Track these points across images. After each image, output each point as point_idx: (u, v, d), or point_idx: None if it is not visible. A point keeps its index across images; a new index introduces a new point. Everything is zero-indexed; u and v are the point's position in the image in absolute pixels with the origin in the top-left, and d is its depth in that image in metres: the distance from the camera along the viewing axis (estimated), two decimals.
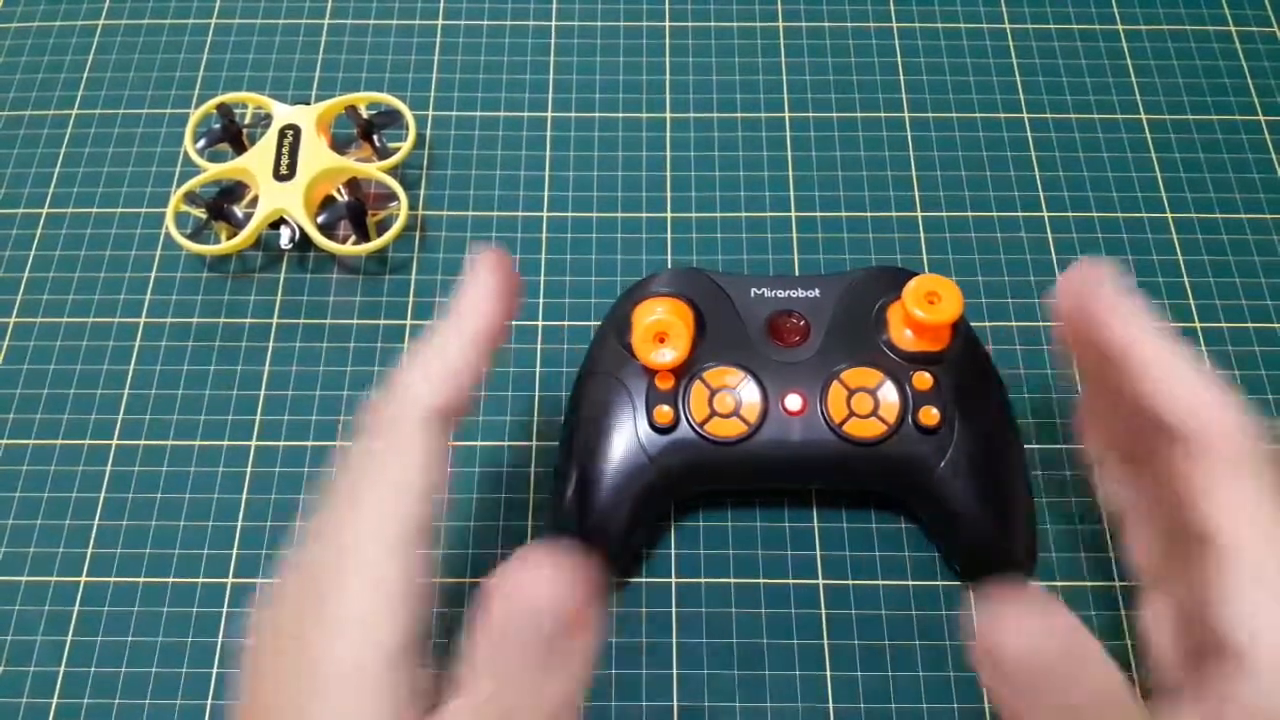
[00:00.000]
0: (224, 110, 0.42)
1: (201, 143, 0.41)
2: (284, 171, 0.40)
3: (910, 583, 0.34)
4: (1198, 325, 0.39)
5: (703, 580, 0.34)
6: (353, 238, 0.40)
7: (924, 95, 0.44)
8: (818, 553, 0.35)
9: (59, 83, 0.45)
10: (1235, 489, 0.23)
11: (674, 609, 0.34)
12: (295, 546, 0.24)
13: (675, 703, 0.32)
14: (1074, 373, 0.38)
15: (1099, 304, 0.26)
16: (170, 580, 0.34)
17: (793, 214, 0.41)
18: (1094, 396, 0.29)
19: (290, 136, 0.40)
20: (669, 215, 0.41)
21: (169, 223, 0.39)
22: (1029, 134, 0.43)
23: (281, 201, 0.39)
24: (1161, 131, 0.44)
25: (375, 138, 0.42)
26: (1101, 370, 0.26)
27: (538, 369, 0.38)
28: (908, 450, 0.32)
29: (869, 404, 0.32)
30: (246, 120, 0.43)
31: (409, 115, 0.42)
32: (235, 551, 0.35)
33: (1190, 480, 0.23)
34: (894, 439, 0.32)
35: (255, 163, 0.40)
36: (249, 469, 0.36)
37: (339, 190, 0.41)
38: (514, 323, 0.39)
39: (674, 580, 0.34)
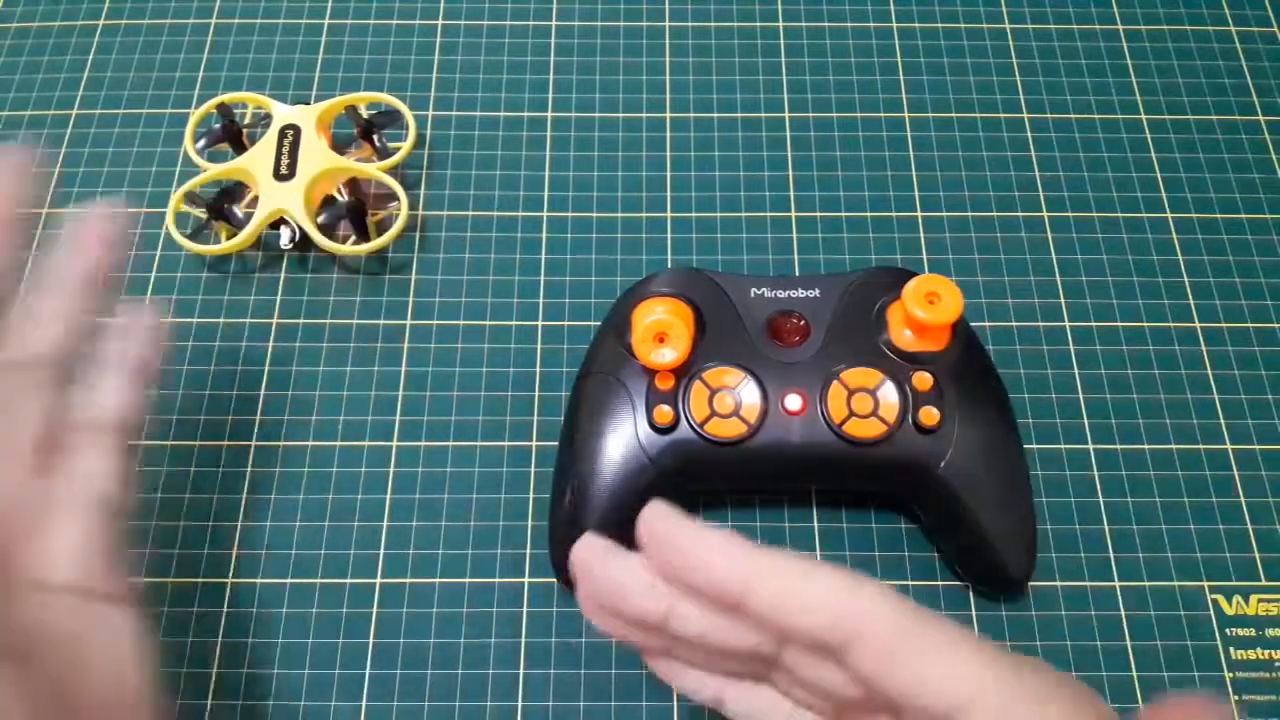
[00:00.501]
0: (224, 110, 0.42)
1: (201, 143, 0.41)
2: (284, 171, 0.40)
3: (910, 583, 0.34)
4: (1198, 325, 0.39)
5: None
6: (353, 238, 0.40)
7: (924, 95, 0.44)
8: (818, 553, 0.35)
9: (59, 83, 0.45)
10: (923, 660, 0.22)
11: None
12: None
13: (675, 703, 0.32)
14: (1076, 372, 0.38)
15: None
16: (170, 580, 0.34)
17: (793, 214, 0.41)
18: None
19: (290, 136, 0.40)
20: (669, 215, 0.41)
21: (169, 223, 0.39)
22: (1029, 134, 0.43)
23: (281, 201, 0.39)
24: (1161, 131, 0.44)
25: (375, 138, 0.42)
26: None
27: (538, 369, 0.38)
28: (907, 450, 0.32)
29: (869, 404, 0.32)
30: (246, 120, 0.43)
31: (409, 115, 0.42)
32: (235, 551, 0.35)
33: (880, 676, 0.22)
34: (894, 439, 0.32)
35: (255, 163, 0.40)
36: (249, 469, 0.36)
37: (339, 190, 0.41)
38: (514, 323, 0.39)
39: None
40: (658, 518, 0.24)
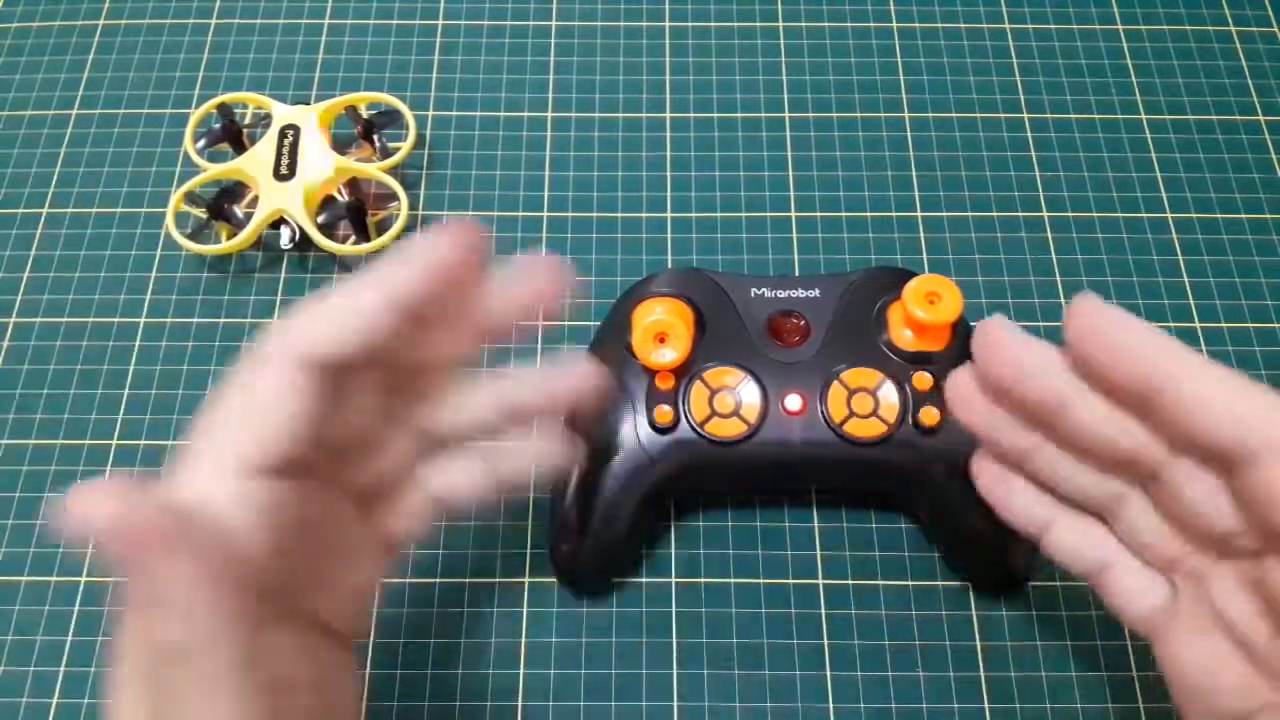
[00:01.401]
0: (224, 110, 0.42)
1: (201, 143, 0.41)
2: (284, 172, 0.40)
3: (910, 583, 0.34)
4: (1198, 325, 0.39)
5: (703, 580, 0.34)
6: (353, 238, 0.40)
7: (924, 95, 0.44)
8: (818, 553, 0.35)
9: (59, 83, 0.45)
10: None
11: (674, 609, 0.34)
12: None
13: (675, 703, 0.32)
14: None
15: (1118, 338, 0.23)
16: None
17: (793, 214, 0.41)
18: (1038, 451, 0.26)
19: (290, 136, 0.40)
20: (669, 215, 0.41)
21: (169, 223, 0.39)
22: (1029, 134, 0.43)
23: (281, 201, 0.39)
24: (1161, 131, 0.44)
25: (375, 138, 0.42)
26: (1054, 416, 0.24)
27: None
28: (908, 450, 0.32)
29: (869, 404, 0.32)
30: (246, 120, 0.43)
31: (409, 115, 0.42)
32: None
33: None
34: (894, 439, 0.32)
35: (255, 163, 0.40)
36: None
37: (339, 190, 0.40)
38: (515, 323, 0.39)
39: (674, 580, 0.34)
40: (1086, 309, 0.23)
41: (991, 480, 0.27)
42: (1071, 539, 0.26)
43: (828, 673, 0.33)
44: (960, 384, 0.26)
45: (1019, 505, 0.26)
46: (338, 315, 0.23)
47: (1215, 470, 0.22)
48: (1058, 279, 0.40)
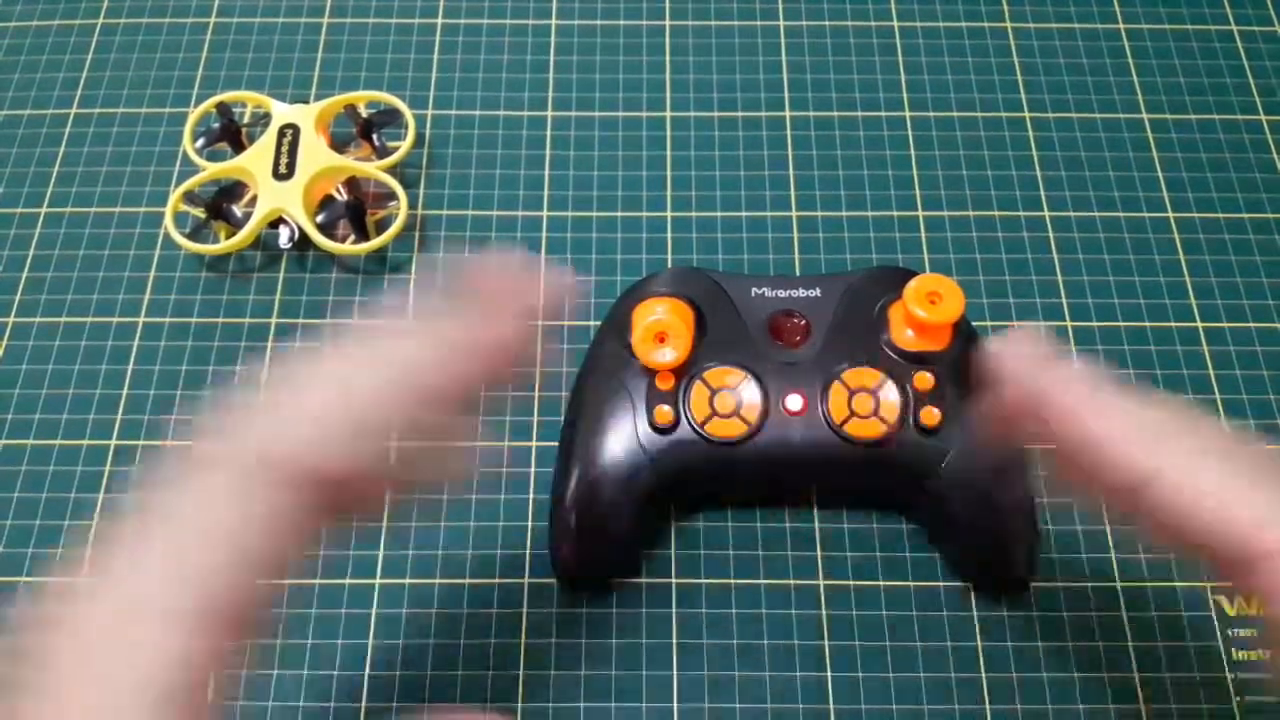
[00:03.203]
0: (223, 109, 0.42)
1: (200, 142, 0.41)
2: (283, 171, 0.39)
3: (911, 584, 0.34)
4: (1199, 325, 0.39)
5: (703, 581, 0.34)
6: (352, 237, 0.40)
7: (925, 94, 0.44)
8: (818, 553, 0.35)
9: (58, 82, 0.45)
10: None
11: (674, 610, 0.34)
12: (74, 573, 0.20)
13: (675, 704, 0.32)
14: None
15: (1063, 396, 0.22)
16: None
17: (793, 214, 0.41)
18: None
19: (289, 136, 0.40)
20: (669, 215, 0.41)
21: (168, 222, 0.39)
22: (1030, 133, 0.43)
23: (281, 201, 0.39)
24: (1163, 130, 0.44)
25: (374, 137, 0.42)
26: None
27: (538, 369, 0.38)
28: (909, 450, 0.32)
29: (870, 404, 0.32)
30: (246, 119, 0.43)
31: (408, 114, 0.42)
32: None
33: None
34: (895, 439, 0.32)
35: (254, 162, 0.40)
36: None
37: (338, 189, 0.40)
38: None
39: (674, 581, 0.34)
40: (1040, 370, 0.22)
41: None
42: None
43: (828, 674, 0.33)
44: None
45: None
46: (315, 406, 0.20)
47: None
48: (1059, 279, 0.40)
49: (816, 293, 0.35)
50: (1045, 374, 0.23)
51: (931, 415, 0.32)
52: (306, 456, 0.19)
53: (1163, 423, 0.22)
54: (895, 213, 0.41)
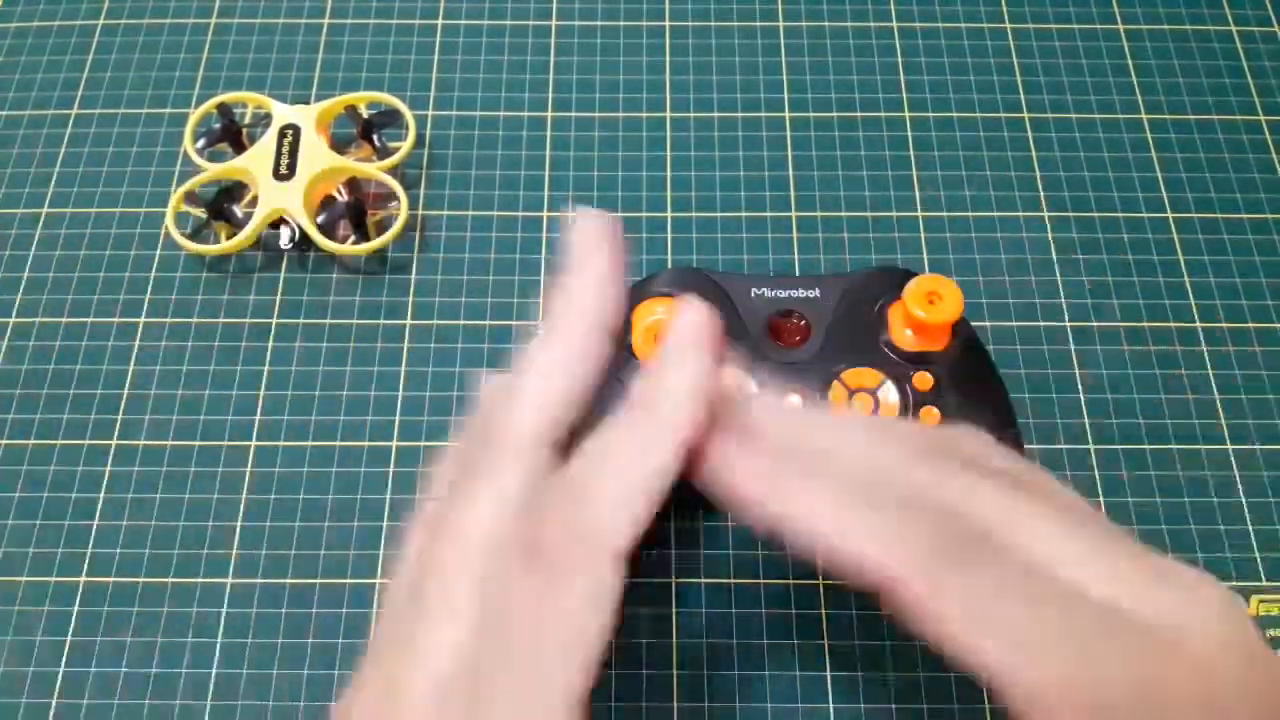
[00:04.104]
0: (224, 110, 0.42)
1: (201, 142, 0.41)
2: (284, 171, 0.40)
3: None
4: (1198, 325, 0.39)
5: (703, 581, 0.34)
6: (352, 237, 0.40)
7: (924, 95, 0.44)
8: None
9: (59, 83, 0.45)
10: None
11: (674, 609, 0.34)
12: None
13: (675, 704, 0.32)
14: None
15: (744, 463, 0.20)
16: (170, 580, 0.34)
17: (793, 214, 0.41)
18: None
19: (290, 136, 0.40)
20: (669, 215, 0.41)
21: (169, 222, 0.39)
22: (1029, 134, 0.43)
23: (281, 201, 0.39)
24: (1162, 131, 0.44)
25: (375, 137, 0.42)
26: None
27: None
28: None
29: (869, 404, 0.32)
30: (246, 120, 0.43)
31: (409, 115, 0.42)
32: (235, 551, 0.35)
33: None
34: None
35: (255, 163, 0.40)
36: (249, 469, 0.36)
37: (339, 190, 0.40)
38: (514, 323, 0.39)
39: (674, 581, 0.34)
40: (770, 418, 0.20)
41: None
42: None
43: (828, 673, 0.33)
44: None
45: None
46: (642, 480, 0.19)
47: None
48: (1058, 279, 0.40)
49: (816, 293, 0.35)
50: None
51: (931, 415, 0.32)
52: (631, 537, 0.19)
53: (797, 466, 0.20)
54: (894, 213, 0.41)
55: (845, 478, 0.20)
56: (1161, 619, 0.19)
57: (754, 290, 0.35)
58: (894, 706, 0.32)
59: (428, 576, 0.20)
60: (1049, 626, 0.18)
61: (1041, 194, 0.42)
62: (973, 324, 0.36)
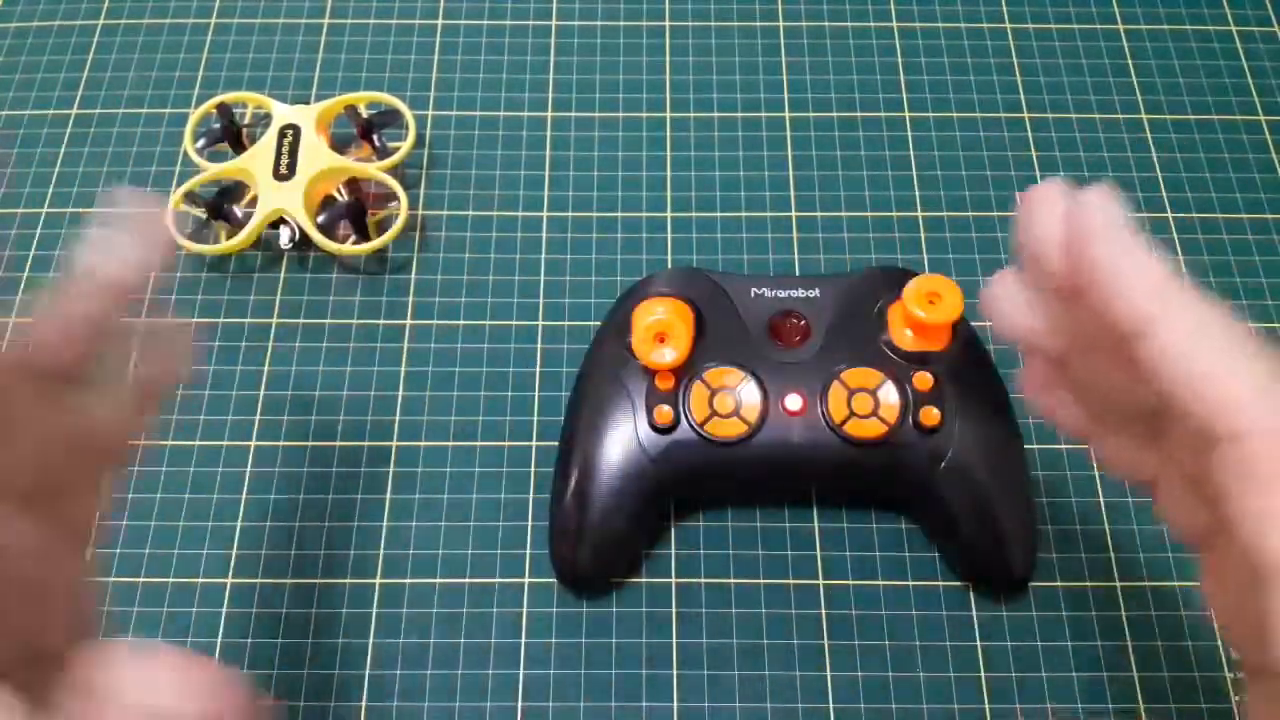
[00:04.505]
0: (224, 110, 0.42)
1: (201, 142, 0.41)
2: (284, 171, 0.40)
3: (910, 583, 0.34)
4: None
5: (703, 580, 0.34)
6: (353, 237, 0.40)
7: (924, 95, 0.44)
8: (818, 553, 0.35)
9: (59, 83, 0.45)
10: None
11: (674, 609, 0.34)
12: None
13: (675, 703, 0.32)
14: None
15: (1101, 245, 0.21)
16: (170, 580, 0.34)
17: (793, 214, 0.41)
18: (1074, 356, 0.25)
19: (290, 136, 0.40)
20: (669, 215, 0.41)
21: (168, 223, 0.39)
22: (1030, 133, 0.43)
23: (281, 201, 0.39)
24: (1162, 131, 0.44)
25: (375, 137, 0.42)
26: (1082, 323, 0.23)
27: (538, 369, 0.38)
28: (908, 450, 0.32)
29: (869, 404, 0.32)
30: (246, 120, 0.43)
31: (409, 115, 0.42)
32: (235, 551, 0.35)
33: (1229, 492, 0.19)
34: (894, 439, 0.32)
35: (255, 162, 0.40)
36: (249, 469, 0.36)
37: (339, 190, 0.40)
38: (514, 323, 0.39)
39: (674, 581, 0.34)
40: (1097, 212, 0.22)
41: (1036, 392, 0.26)
42: (1117, 454, 0.25)
43: (828, 673, 0.33)
44: (1001, 282, 0.25)
45: (1066, 420, 0.25)
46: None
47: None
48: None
49: (816, 293, 0.35)
50: (1074, 204, 0.23)
51: (931, 415, 0.32)
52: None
53: (1174, 277, 0.21)
54: (894, 213, 0.41)
55: None
56: None
57: (754, 290, 0.35)
58: (894, 706, 0.32)
59: None
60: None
61: None
62: (973, 324, 0.36)
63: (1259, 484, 0.19)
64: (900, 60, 0.45)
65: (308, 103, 0.42)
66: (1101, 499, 0.36)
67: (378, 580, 0.34)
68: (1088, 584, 0.34)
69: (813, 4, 0.47)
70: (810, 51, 0.46)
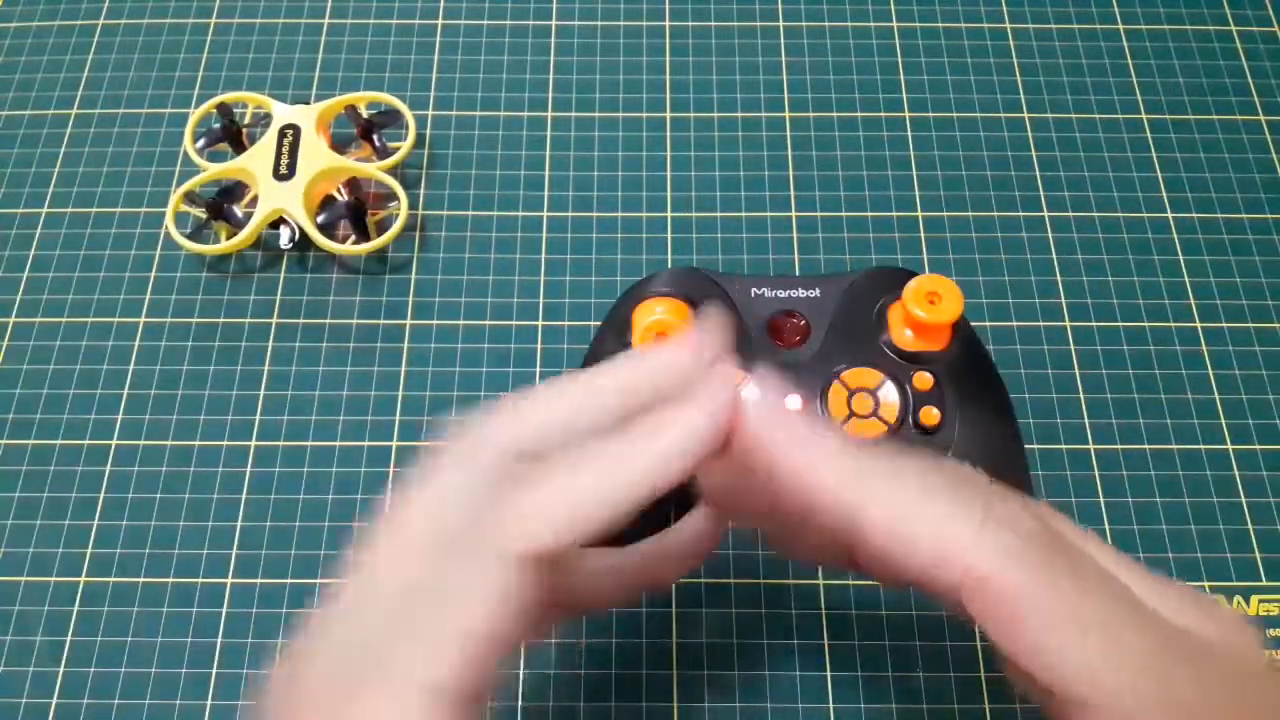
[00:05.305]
0: (224, 110, 0.42)
1: (201, 142, 0.41)
2: (284, 171, 0.40)
3: None
4: (1198, 325, 0.39)
5: (703, 580, 0.34)
6: (352, 237, 0.40)
7: (924, 95, 0.44)
8: None
9: (59, 83, 0.45)
10: None
11: (674, 609, 0.34)
12: (331, 598, 0.21)
13: (675, 703, 0.32)
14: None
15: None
16: (170, 580, 0.34)
17: (793, 214, 0.41)
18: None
19: (290, 136, 0.40)
20: (669, 215, 0.41)
21: (169, 222, 0.39)
22: (1029, 134, 0.43)
23: (281, 201, 0.39)
24: (1162, 131, 0.44)
25: (375, 137, 0.42)
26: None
27: (538, 369, 0.38)
28: None
29: (869, 404, 0.32)
30: (246, 120, 0.43)
31: (409, 115, 0.42)
32: (235, 551, 0.35)
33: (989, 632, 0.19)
34: (894, 439, 0.32)
35: (255, 162, 0.40)
36: (248, 469, 0.36)
37: (339, 190, 0.40)
38: (514, 323, 0.39)
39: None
40: (762, 416, 0.20)
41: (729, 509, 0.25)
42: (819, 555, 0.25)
43: (828, 673, 0.33)
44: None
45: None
46: (573, 496, 0.19)
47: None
48: (1058, 279, 0.40)
49: (816, 293, 0.35)
50: (769, 414, 0.21)
51: (931, 415, 0.32)
52: (558, 542, 0.19)
53: (872, 456, 0.20)
54: (894, 213, 0.41)
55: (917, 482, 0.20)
56: (1218, 639, 0.19)
57: (754, 290, 0.35)
58: (894, 706, 0.32)
59: (358, 552, 0.21)
60: (1132, 636, 0.19)
61: (1041, 194, 0.42)
62: (973, 324, 0.36)
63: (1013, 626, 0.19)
64: (900, 60, 0.45)
65: (308, 103, 0.42)
66: (1102, 499, 0.36)
67: None
68: None
69: (813, 4, 0.47)
70: (810, 51, 0.46)
